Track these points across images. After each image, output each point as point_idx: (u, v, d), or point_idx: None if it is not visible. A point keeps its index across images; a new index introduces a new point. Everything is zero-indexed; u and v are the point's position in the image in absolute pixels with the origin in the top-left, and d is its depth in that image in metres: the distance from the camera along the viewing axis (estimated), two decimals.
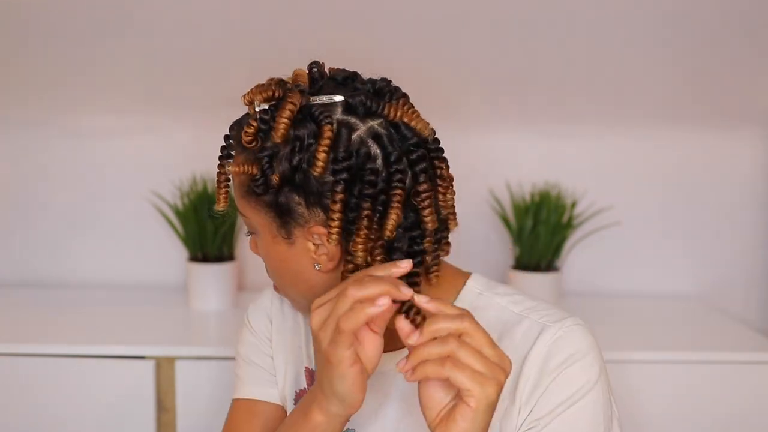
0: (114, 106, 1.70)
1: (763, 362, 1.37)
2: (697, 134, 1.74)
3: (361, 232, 0.72)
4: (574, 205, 1.61)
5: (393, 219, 0.72)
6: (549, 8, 1.47)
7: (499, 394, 0.65)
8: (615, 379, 0.83)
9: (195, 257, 1.60)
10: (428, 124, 0.75)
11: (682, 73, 1.62)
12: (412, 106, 0.76)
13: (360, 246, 0.72)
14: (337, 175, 0.72)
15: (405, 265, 0.69)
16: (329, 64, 0.79)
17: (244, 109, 0.81)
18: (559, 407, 0.75)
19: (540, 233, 1.57)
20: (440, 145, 0.77)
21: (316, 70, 0.78)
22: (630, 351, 1.36)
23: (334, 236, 0.73)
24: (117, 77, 1.63)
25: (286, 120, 0.72)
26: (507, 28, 1.51)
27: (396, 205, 0.72)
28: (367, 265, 0.74)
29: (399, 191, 0.72)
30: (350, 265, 0.74)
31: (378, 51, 1.23)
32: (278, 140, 0.72)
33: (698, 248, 1.79)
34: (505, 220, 1.64)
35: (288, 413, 0.93)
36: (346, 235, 0.73)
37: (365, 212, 0.72)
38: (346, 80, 0.77)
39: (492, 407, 0.66)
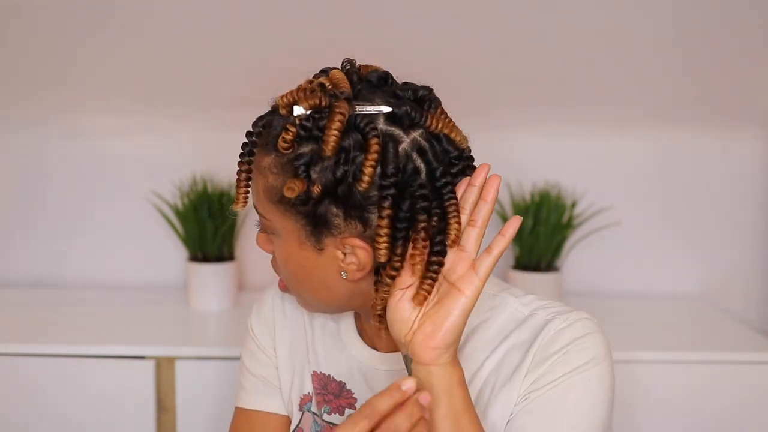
0: (114, 106, 1.70)
1: (763, 362, 1.37)
2: (697, 134, 1.74)
3: (419, 244, 0.71)
4: (574, 205, 1.61)
5: (455, 229, 0.72)
6: (549, 8, 1.47)
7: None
8: (615, 379, 0.83)
9: (195, 257, 1.60)
10: (464, 134, 0.75)
11: (682, 73, 1.62)
12: (449, 116, 0.76)
13: (419, 266, 0.71)
14: (383, 190, 0.70)
15: (409, 385, 0.67)
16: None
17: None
18: (557, 379, 0.76)
19: (540, 233, 1.57)
20: (471, 153, 0.77)
21: (349, 67, 0.76)
22: (630, 351, 1.36)
23: (383, 251, 0.71)
24: (117, 77, 1.62)
25: (336, 132, 0.69)
26: (507, 28, 1.51)
27: (455, 215, 0.72)
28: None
29: (454, 202, 0.72)
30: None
31: (378, 51, 1.23)
32: (329, 154, 0.70)
33: (698, 248, 1.79)
34: (505, 220, 1.64)
35: (293, 420, 0.93)
36: (392, 248, 0.72)
37: (422, 225, 0.71)
38: (380, 81, 0.75)
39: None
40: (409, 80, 0.78)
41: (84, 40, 1.53)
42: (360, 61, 0.78)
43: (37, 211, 1.77)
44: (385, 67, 0.78)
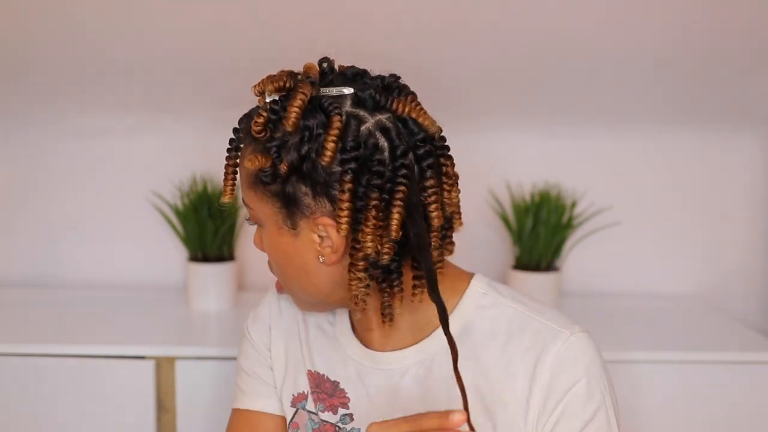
0: (114, 106, 1.70)
1: (763, 362, 1.37)
2: (697, 134, 1.74)
3: (369, 223, 0.73)
4: (574, 205, 1.61)
5: (396, 218, 0.73)
6: (549, 8, 1.47)
7: None
8: (615, 379, 0.84)
9: (195, 257, 1.60)
10: (435, 121, 0.76)
11: (682, 73, 1.62)
12: (420, 104, 0.77)
13: (369, 236, 0.73)
14: (345, 165, 0.72)
15: (459, 418, 0.65)
16: None
17: (244, 110, 0.82)
18: (579, 417, 0.78)
19: (540, 233, 1.57)
20: (446, 143, 0.78)
21: (326, 65, 0.79)
22: (630, 351, 1.36)
23: (344, 226, 0.73)
24: (117, 77, 1.62)
25: (297, 109, 0.73)
26: (507, 28, 1.50)
27: (398, 203, 0.73)
28: (377, 255, 0.74)
29: (402, 188, 0.73)
30: (360, 253, 0.74)
31: (378, 51, 1.23)
32: (290, 129, 0.73)
33: (698, 248, 1.79)
34: (505, 220, 1.64)
35: (286, 418, 0.93)
36: (354, 225, 0.74)
37: (373, 202, 0.73)
38: (355, 76, 0.78)
39: None
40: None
41: (84, 40, 1.53)
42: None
43: (37, 211, 1.77)
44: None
